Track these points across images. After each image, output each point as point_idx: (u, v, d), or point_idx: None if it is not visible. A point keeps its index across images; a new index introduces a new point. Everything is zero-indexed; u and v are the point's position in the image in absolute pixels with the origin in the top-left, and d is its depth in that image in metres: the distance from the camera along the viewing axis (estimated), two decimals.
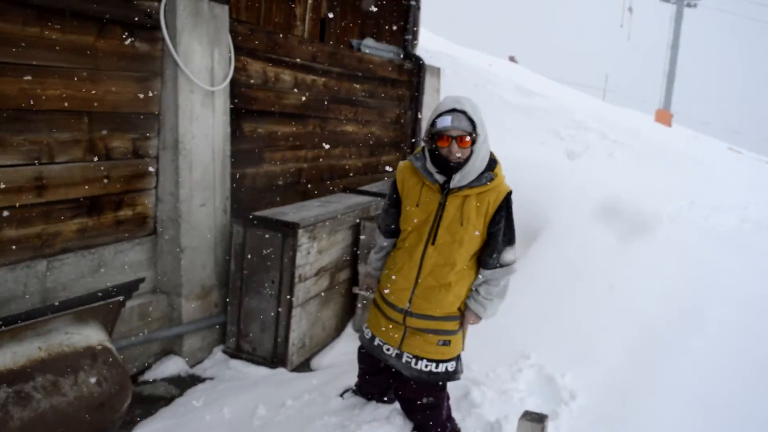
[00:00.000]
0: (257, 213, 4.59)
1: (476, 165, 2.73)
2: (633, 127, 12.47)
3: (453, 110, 2.66)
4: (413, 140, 8.07)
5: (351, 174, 6.76)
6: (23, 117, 3.37)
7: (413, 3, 7.93)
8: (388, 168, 7.67)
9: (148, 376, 4.25)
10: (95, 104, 3.72)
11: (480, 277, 3.01)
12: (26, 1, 3.25)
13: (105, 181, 3.85)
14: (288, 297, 4.42)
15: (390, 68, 7.37)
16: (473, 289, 3.03)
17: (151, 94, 4.09)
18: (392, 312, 3.01)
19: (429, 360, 3.01)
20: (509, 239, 2.92)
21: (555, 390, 3.99)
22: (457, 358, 3.12)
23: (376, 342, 3.13)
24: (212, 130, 4.41)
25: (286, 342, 4.49)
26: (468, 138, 2.66)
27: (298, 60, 5.57)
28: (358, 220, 5.18)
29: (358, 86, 6.69)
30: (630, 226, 6.30)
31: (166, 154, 4.17)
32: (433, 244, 2.84)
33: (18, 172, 3.38)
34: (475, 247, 2.89)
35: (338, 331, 5.26)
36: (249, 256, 4.50)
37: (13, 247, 3.44)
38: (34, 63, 3.38)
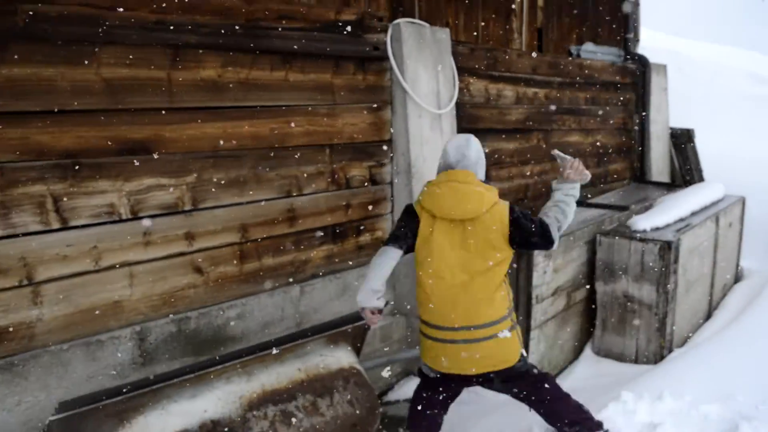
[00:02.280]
0: None
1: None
2: None
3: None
4: (642, 146, 7.53)
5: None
6: (275, 155, 3.65)
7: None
8: (617, 177, 7.22)
9: (391, 396, 4.35)
10: (335, 137, 3.94)
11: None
12: (272, 48, 3.53)
13: (346, 208, 4.05)
14: (525, 318, 4.28)
15: (611, 71, 6.97)
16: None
17: (382, 123, 4.24)
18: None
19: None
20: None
21: None
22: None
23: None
24: None
25: None
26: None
27: (518, 74, 5.46)
28: (593, 236, 4.90)
29: (579, 94, 6.40)
30: None
31: (400, 178, 4.28)
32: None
33: (273, 206, 3.66)
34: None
35: (576, 353, 5.01)
36: None
37: (272, 274, 3.73)
38: (282, 104, 3.65)
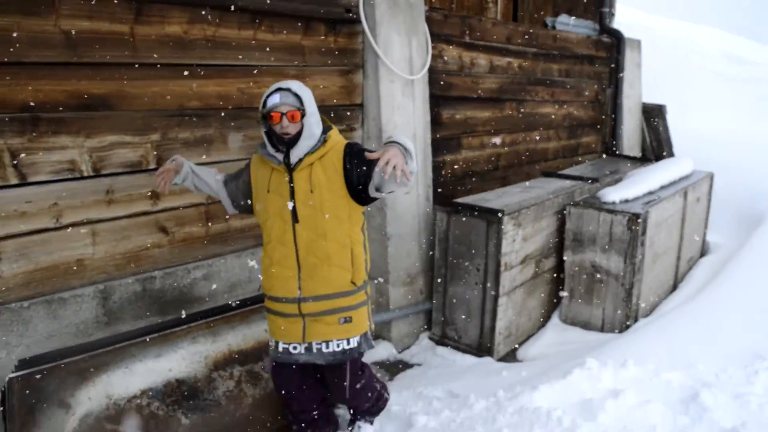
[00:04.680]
0: (460, 200, 4.53)
1: (309, 137, 2.77)
2: None
3: (279, 89, 2.73)
4: (614, 120, 7.57)
5: (549, 157, 6.49)
6: (243, 115, 3.60)
7: None
8: (588, 150, 7.27)
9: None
10: None
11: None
12: (241, 6, 3.45)
13: None
14: (493, 285, 4.31)
15: (586, 44, 6.97)
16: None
17: (353, 87, 4.19)
18: (286, 306, 2.88)
19: (338, 339, 2.90)
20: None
21: None
22: (364, 336, 2.98)
23: (281, 347, 2.93)
24: (413, 118, 4.43)
25: (492, 331, 4.39)
26: (297, 112, 2.71)
27: (492, 43, 5.43)
28: (562, 206, 4.93)
29: (554, 66, 6.39)
30: None
31: (370, 144, 4.25)
32: (297, 222, 2.80)
33: (240, 166, 3.61)
34: (339, 208, 2.82)
35: (544, 320, 5.06)
36: (453, 244, 4.45)
37: (239, 236, 3.69)
38: (250, 64, 3.59)
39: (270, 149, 2.79)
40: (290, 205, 2.78)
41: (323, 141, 2.82)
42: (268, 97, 2.72)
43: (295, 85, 2.77)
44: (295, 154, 2.75)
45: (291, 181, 2.78)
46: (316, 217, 2.79)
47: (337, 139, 2.88)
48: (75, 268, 3.02)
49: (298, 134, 2.73)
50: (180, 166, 2.95)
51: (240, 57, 3.53)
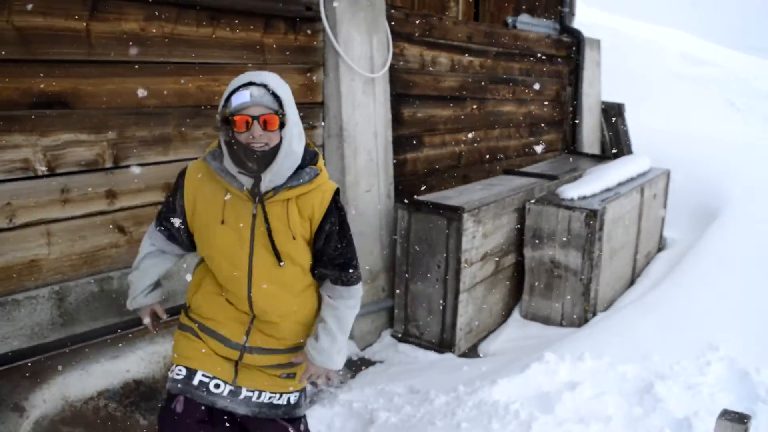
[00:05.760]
0: (421, 197, 4.58)
1: (290, 157, 2.05)
2: None
3: (251, 83, 2.00)
4: (574, 118, 7.70)
5: (511, 155, 6.58)
6: (202, 113, 3.58)
7: None
8: (548, 148, 7.38)
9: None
10: None
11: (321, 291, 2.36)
12: (199, 3, 3.43)
13: None
14: (454, 282, 4.36)
15: (546, 43, 7.07)
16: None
17: (314, 85, 4.20)
18: (221, 348, 2.27)
19: (273, 392, 2.35)
20: (347, 251, 2.24)
21: (750, 387, 3.64)
22: (302, 392, 2.46)
23: (198, 379, 2.24)
24: (374, 116, 4.45)
25: (453, 327, 4.44)
26: (274, 118, 1.98)
27: (453, 42, 5.48)
28: (522, 203, 5.01)
29: (515, 65, 6.48)
30: None
31: (332, 142, 4.26)
32: (253, 274, 2.16)
33: None
34: (306, 258, 2.22)
35: (504, 316, 5.14)
36: (414, 241, 4.49)
37: None
38: (208, 62, 3.57)
39: (230, 166, 2.06)
40: (250, 247, 2.14)
41: (314, 175, 2.14)
42: (233, 93, 2.00)
43: (274, 80, 2.04)
44: (270, 179, 2.05)
45: (266, 218, 2.11)
46: (284, 268, 2.18)
47: (326, 178, 2.21)
48: (29, 269, 2.97)
49: (275, 149, 2.02)
50: (150, 304, 2.45)
51: (199, 55, 3.50)
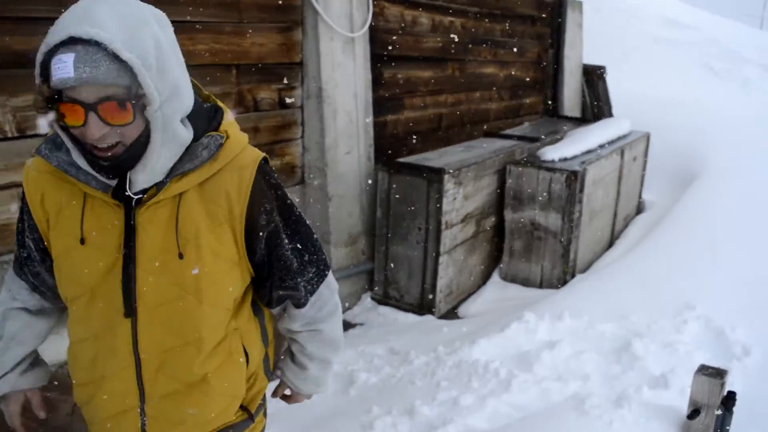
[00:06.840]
0: (401, 159, 4.55)
1: (169, 144, 1.29)
2: None
3: (77, 41, 1.16)
4: (555, 80, 7.67)
5: (492, 118, 6.54)
6: None
7: None
8: (529, 111, 7.35)
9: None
10: (242, 56, 3.79)
11: (286, 327, 1.67)
12: None
13: (255, 131, 3.95)
14: (435, 244, 4.36)
15: (528, 4, 6.99)
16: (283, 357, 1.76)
17: (292, 44, 4.11)
18: None
19: None
20: (307, 250, 1.54)
21: (725, 344, 3.72)
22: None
23: None
24: (354, 77, 4.38)
25: (433, 289, 4.46)
26: (123, 106, 1.20)
27: (435, 1, 5.39)
28: (503, 165, 5.00)
29: (496, 26, 6.40)
30: None
31: (311, 103, 4.20)
32: (135, 314, 1.38)
33: None
34: (227, 281, 1.44)
35: (484, 278, 5.17)
36: (394, 204, 4.48)
37: None
38: (182, 19, 3.47)
39: (81, 162, 1.30)
40: (123, 276, 1.36)
41: (216, 147, 1.37)
42: (52, 54, 1.18)
43: (114, 25, 1.18)
44: (142, 180, 1.31)
45: (134, 229, 1.35)
46: (178, 305, 1.39)
47: (238, 144, 1.43)
48: (2, 233, 2.92)
49: (136, 149, 1.26)
50: (25, 388, 1.61)
51: (172, 12, 3.39)
